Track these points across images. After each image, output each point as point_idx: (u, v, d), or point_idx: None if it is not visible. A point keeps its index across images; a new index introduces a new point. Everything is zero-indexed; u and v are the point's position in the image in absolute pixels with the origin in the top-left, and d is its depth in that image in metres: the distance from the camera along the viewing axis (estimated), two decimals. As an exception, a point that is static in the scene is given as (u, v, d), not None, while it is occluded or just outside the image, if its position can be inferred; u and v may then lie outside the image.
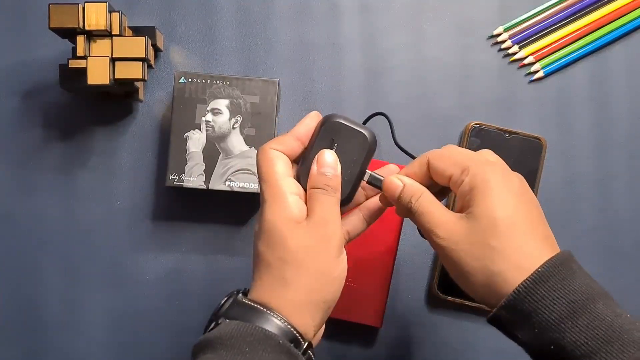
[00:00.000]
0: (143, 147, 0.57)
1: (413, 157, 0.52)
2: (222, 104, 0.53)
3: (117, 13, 0.51)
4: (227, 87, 0.53)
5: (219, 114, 0.53)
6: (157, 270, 0.56)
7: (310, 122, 0.39)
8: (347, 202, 0.40)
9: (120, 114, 0.57)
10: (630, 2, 0.57)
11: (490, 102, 0.57)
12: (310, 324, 0.36)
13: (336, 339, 0.56)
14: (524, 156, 0.56)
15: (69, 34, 0.51)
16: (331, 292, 0.37)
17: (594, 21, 0.57)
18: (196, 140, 0.53)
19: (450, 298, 0.55)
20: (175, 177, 0.53)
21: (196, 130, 0.53)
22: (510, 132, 0.56)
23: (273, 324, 0.35)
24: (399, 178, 0.39)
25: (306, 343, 0.36)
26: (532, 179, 0.56)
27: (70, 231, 0.56)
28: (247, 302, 0.36)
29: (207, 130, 0.53)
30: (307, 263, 0.36)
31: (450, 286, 0.55)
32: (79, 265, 0.56)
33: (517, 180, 0.37)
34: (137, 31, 0.54)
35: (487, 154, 0.38)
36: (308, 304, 0.36)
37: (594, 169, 0.57)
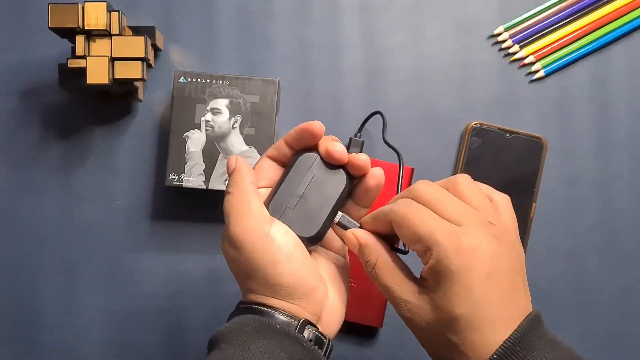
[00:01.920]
0: (142, 146, 0.57)
1: (398, 153, 0.52)
2: (221, 103, 0.53)
3: (117, 12, 0.51)
4: (227, 86, 0.53)
5: (219, 113, 0.53)
6: (156, 270, 0.56)
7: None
8: (316, 240, 0.38)
9: (119, 114, 0.57)
10: (630, 2, 0.57)
11: (491, 101, 0.57)
12: (294, 305, 0.36)
13: (336, 339, 0.55)
14: (524, 156, 0.56)
15: (69, 33, 0.51)
16: (284, 274, 0.35)
17: (594, 21, 0.57)
18: (196, 140, 0.53)
19: (450, 298, 0.55)
20: (174, 176, 0.53)
21: (196, 129, 0.53)
22: (511, 132, 0.56)
23: (267, 314, 0.35)
24: (355, 234, 0.37)
25: (300, 322, 0.35)
26: (532, 179, 0.56)
27: (70, 231, 0.56)
28: (241, 305, 0.37)
29: (206, 130, 0.53)
30: (250, 263, 0.36)
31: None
32: (78, 265, 0.56)
33: (489, 251, 0.34)
34: (136, 31, 0.54)
35: (457, 209, 0.35)
36: (278, 291, 0.36)
37: (595, 169, 0.57)
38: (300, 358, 0.34)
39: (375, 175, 0.38)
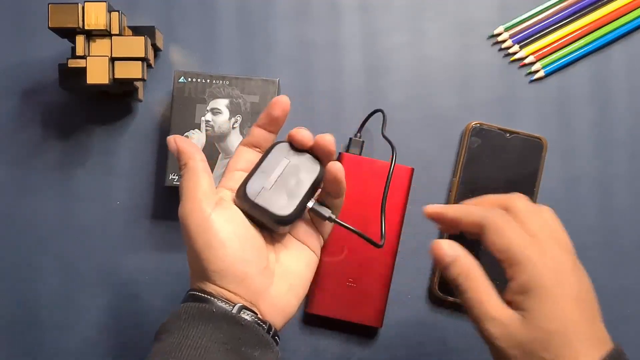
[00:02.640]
0: (142, 146, 0.57)
1: (393, 147, 0.52)
2: (221, 103, 0.53)
3: (117, 12, 0.51)
4: (227, 86, 0.53)
5: (219, 113, 0.53)
6: (156, 270, 0.56)
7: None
8: (289, 221, 0.39)
9: (119, 114, 0.57)
10: (630, 2, 0.57)
11: (491, 101, 0.57)
12: (226, 291, 0.37)
13: (336, 339, 0.56)
14: (524, 156, 0.56)
15: (69, 33, 0.51)
16: (215, 259, 0.36)
17: (594, 21, 0.57)
18: (195, 140, 0.53)
19: (450, 298, 0.55)
20: (174, 177, 0.53)
21: (196, 130, 0.53)
22: (511, 132, 0.56)
23: (205, 300, 0.36)
24: (451, 247, 0.38)
25: (235, 305, 0.36)
26: (532, 179, 0.56)
27: (69, 231, 0.56)
28: (187, 294, 0.38)
29: (206, 130, 0.53)
30: (189, 245, 0.37)
31: (450, 286, 0.55)
32: (78, 264, 0.56)
33: (573, 274, 0.35)
34: (136, 31, 0.54)
35: (544, 233, 0.36)
36: (211, 276, 0.36)
37: (595, 169, 0.57)
38: (240, 337, 0.35)
39: (333, 168, 0.38)
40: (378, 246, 0.42)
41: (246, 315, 0.36)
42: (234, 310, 0.36)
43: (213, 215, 0.37)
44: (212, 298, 0.36)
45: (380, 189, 0.54)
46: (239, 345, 0.35)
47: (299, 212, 0.39)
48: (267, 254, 0.39)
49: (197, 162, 0.39)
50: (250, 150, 0.41)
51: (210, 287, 0.37)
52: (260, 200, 0.38)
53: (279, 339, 0.38)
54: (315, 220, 0.42)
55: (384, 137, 0.54)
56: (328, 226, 0.43)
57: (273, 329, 0.38)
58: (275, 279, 0.39)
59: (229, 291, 0.37)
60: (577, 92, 0.58)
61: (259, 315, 0.37)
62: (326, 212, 0.40)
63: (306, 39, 0.58)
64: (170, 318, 0.36)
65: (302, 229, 0.42)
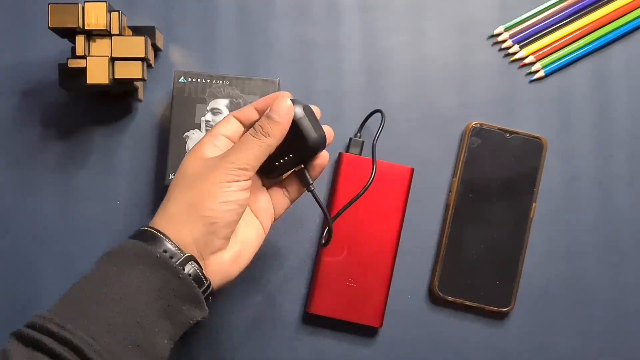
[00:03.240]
0: (142, 146, 0.57)
1: (374, 164, 0.51)
2: (221, 103, 0.53)
3: (117, 12, 0.51)
4: (227, 86, 0.53)
5: (219, 113, 0.53)
6: (156, 270, 0.56)
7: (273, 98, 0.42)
8: (272, 175, 0.44)
9: (119, 114, 0.57)
10: (630, 2, 0.57)
11: (491, 101, 0.57)
12: (187, 235, 0.38)
13: (336, 339, 0.56)
14: (524, 156, 0.56)
15: (69, 33, 0.51)
16: (210, 209, 0.38)
17: (594, 21, 0.57)
18: (195, 140, 0.53)
19: (450, 298, 0.55)
20: (174, 176, 0.53)
21: (196, 129, 0.53)
22: (511, 132, 0.56)
23: (156, 239, 0.37)
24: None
25: (184, 256, 0.37)
26: (532, 179, 0.56)
27: (69, 230, 0.56)
28: (139, 229, 0.39)
29: (206, 130, 0.53)
30: (194, 185, 0.39)
31: (450, 286, 0.55)
32: (78, 264, 0.56)
33: None
34: (136, 31, 0.54)
35: None
36: (184, 214, 0.38)
37: (595, 169, 0.57)
38: (174, 288, 0.36)
39: (322, 156, 0.44)
40: (322, 245, 0.45)
41: (189, 268, 0.37)
42: (180, 261, 0.37)
43: (232, 186, 0.39)
44: (165, 240, 0.37)
45: (380, 189, 0.54)
46: (171, 295, 0.36)
47: (283, 169, 0.44)
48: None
49: (218, 128, 0.42)
50: (238, 123, 0.43)
51: (172, 228, 0.38)
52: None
53: (211, 299, 0.40)
54: (276, 195, 0.45)
55: (373, 148, 0.52)
56: (284, 205, 0.46)
57: (211, 289, 0.39)
58: (229, 245, 0.41)
59: (192, 237, 0.38)
60: (577, 92, 0.58)
61: (204, 271, 0.39)
62: (309, 181, 0.44)
63: (306, 39, 0.58)
64: (113, 250, 0.37)
65: (262, 204, 0.44)
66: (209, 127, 0.53)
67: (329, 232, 0.46)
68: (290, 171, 0.45)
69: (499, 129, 0.56)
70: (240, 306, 0.56)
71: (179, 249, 0.38)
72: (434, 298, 0.56)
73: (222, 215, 0.39)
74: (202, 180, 0.39)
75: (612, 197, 0.57)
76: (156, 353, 0.36)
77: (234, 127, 0.43)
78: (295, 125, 0.42)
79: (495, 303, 0.55)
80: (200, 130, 0.53)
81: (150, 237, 0.38)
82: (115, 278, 0.36)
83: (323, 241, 0.45)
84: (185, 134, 0.53)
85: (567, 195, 0.57)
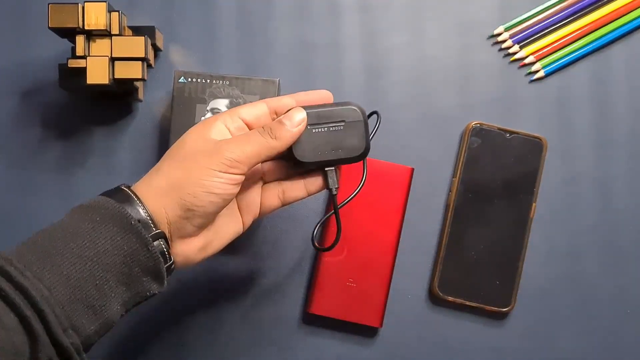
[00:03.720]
0: (142, 146, 0.57)
1: (364, 171, 0.50)
2: (221, 103, 0.53)
3: (117, 12, 0.51)
4: (227, 86, 0.53)
5: (219, 113, 0.53)
6: (156, 270, 0.56)
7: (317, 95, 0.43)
8: (301, 165, 0.42)
9: (119, 114, 0.57)
10: (630, 2, 0.57)
11: (491, 101, 0.57)
12: (162, 213, 0.38)
13: (336, 339, 0.56)
14: (524, 156, 0.56)
15: (69, 33, 0.51)
16: (192, 195, 0.37)
17: (594, 21, 0.57)
18: (196, 140, 0.53)
19: (450, 298, 0.55)
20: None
21: (196, 130, 0.53)
22: (511, 132, 0.56)
23: (131, 202, 0.37)
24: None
25: (155, 231, 0.37)
26: (532, 179, 0.56)
27: (70, 231, 0.56)
28: (119, 186, 0.39)
29: (206, 130, 0.53)
30: (183, 163, 0.38)
31: (450, 286, 0.55)
32: (79, 265, 0.56)
33: None
34: (136, 31, 0.54)
35: None
36: (165, 192, 0.38)
37: (595, 169, 0.57)
38: (140, 259, 0.36)
39: None
40: (323, 249, 0.44)
41: (158, 243, 0.37)
42: (152, 234, 0.37)
43: (224, 177, 0.38)
44: (141, 208, 0.37)
45: (379, 189, 0.54)
46: (135, 265, 0.36)
47: (311, 165, 0.42)
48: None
49: (238, 110, 0.41)
50: (265, 111, 0.42)
51: (154, 199, 0.38)
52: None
53: (168, 278, 0.39)
54: (270, 194, 0.44)
55: (367, 145, 0.51)
56: (273, 205, 0.44)
57: (173, 267, 0.39)
58: (200, 234, 0.40)
59: (166, 215, 0.38)
60: (577, 92, 0.58)
61: (170, 251, 0.38)
62: (335, 183, 0.43)
63: (306, 39, 0.58)
64: (89, 204, 0.37)
65: (250, 199, 0.43)
66: (209, 127, 0.53)
67: (337, 238, 0.45)
68: (323, 169, 0.44)
69: (499, 129, 0.56)
70: (241, 306, 0.56)
71: (153, 222, 0.37)
72: (434, 298, 0.56)
73: (202, 204, 0.38)
74: (192, 161, 0.38)
75: (612, 197, 0.57)
76: (106, 316, 0.36)
77: (257, 113, 0.42)
78: (359, 126, 0.42)
79: (495, 303, 0.55)
80: (200, 130, 0.53)
81: (126, 199, 0.37)
82: (87, 235, 0.35)
83: (327, 245, 0.44)
84: (185, 134, 0.53)
85: (567, 195, 0.57)
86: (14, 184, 0.56)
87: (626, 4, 0.57)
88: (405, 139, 0.57)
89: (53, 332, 0.33)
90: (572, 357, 0.56)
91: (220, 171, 0.38)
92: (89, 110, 0.57)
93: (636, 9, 0.57)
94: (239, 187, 0.39)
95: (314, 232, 0.45)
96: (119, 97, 0.56)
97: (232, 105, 0.53)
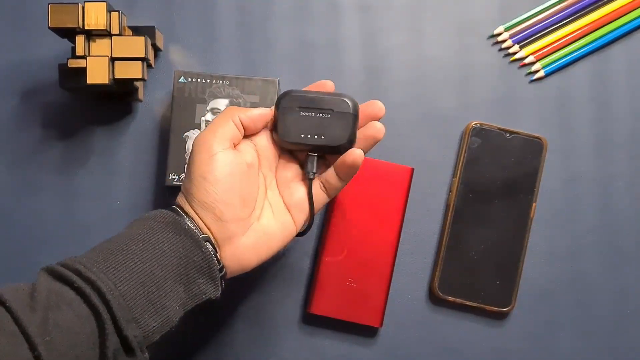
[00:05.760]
0: (142, 147, 0.57)
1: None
2: (222, 103, 0.53)
3: (117, 12, 0.51)
4: (227, 86, 0.53)
5: (219, 113, 0.53)
6: (156, 270, 0.56)
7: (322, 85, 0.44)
8: (284, 145, 0.43)
9: (119, 114, 0.57)
10: (630, 2, 0.57)
11: (491, 101, 0.57)
12: (197, 218, 0.40)
13: (336, 339, 0.56)
14: (524, 156, 0.56)
15: (69, 33, 0.51)
16: (205, 191, 0.39)
17: (594, 21, 0.57)
18: (196, 140, 0.53)
19: (450, 298, 0.55)
20: (174, 176, 0.53)
21: (196, 130, 0.53)
22: (511, 132, 0.56)
23: (180, 216, 0.40)
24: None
25: (202, 235, 0.39)
26: (532, 179, 0.56)
27: (70, 231, 0.56)
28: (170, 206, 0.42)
29: (206, 130, 0.53)
30: (190, 168, 0.41)
31: (450, 286, 0.55)
32: (79, 265, 0.56)
33: None
34: (136, 31, 0.54)
35: None
36: (189, 200, 0.40)
37: (595, 169, 0.57)
38: (196, 259, 0.39)
39: (354, 153, 0.42)
40: (298, 234, 0.44)
41: (208, 245, 0.39)
42: (202, 237, 0.39)
43: (220, 154, 0.40)
44: (186, 219, 0.40)
45: (380, 189, 0.54)
46: (192, 265, 0.38)
47: (292, 146, 0.43)
48: (253, 208, 0.42)
49: (236, 112, 0.42)
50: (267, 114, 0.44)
51: (190, 210, 0.40)
52: (288, 114, 0.43)
53: (223, 284, 0.41)
54: (318, 196, 0.44)
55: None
56: (321, 199, 0.44)
57: (224, 272, 0.40)
58: (248, 232, 0.41)
59: (203, 222, 0.40)
60: (577, 92, 0.58)
61: (218, 255, 0.40)
62: (313, 169, 0.43)
63: (306, 39, 0.58)
64: (146, 215, 0.40)
65: (297, 197, 0.44)
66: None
67: (310, 223, 0.45)
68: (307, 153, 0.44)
69: (499, 129, 0.56)
70: (241, 306, 0.56)
71: (198, 227, 0.40)
72: (434, 298, 0.56)
73: (219, 195, 0.39)
74: (193, 162, 0.41)
75: (612, 197, 0.57)
76: (167, 315, 0.37)
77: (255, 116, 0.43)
78: (347, 118, 0.42)
79: (495, 303, 0.55)
80: (200, 130, 0.53)
81: (173, 210, 0.40)
82: (146, 237, 0.38)
83: (301, 230, 0.44)
84: (185, 134, 0.53)
85: (567, 195, 0.57)
86: (14, 184, 0.56)
87: (626, 4, 0.57)
88: (405, 139, 0.57)
89: (118, 323, 0.35)
90: (572, 357, 0.56)
91: (211, 156, 0.40)
92: (89, 110, 0.57)
93: (636, 9, 0.57)
94: (244, 161, 0.41)
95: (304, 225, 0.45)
96: (119, 97, 0.56)
97: (232, 105, 0.53)
